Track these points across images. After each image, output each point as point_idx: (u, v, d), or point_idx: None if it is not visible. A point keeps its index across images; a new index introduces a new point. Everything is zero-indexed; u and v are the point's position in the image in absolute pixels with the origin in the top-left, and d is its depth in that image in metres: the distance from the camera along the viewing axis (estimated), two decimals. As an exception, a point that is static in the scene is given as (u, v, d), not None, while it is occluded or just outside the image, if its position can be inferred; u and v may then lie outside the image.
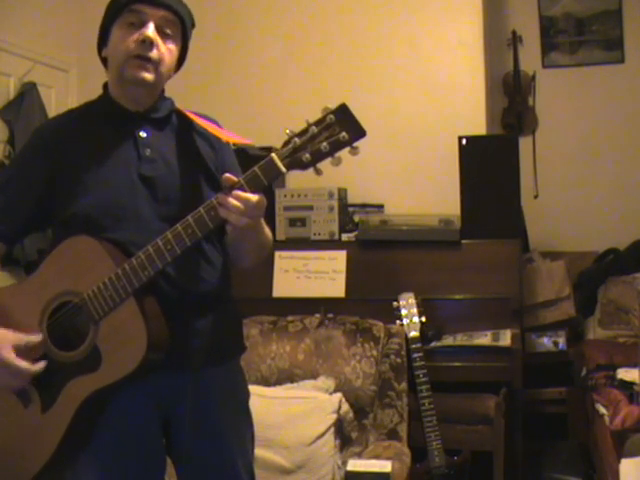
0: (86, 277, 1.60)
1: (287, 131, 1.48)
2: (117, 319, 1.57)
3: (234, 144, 1.80)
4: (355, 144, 1.46)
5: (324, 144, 1.46)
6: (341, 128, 1.45)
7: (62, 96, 3.79)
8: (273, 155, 1.48)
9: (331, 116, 1.45)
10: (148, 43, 1.65)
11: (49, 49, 3.73)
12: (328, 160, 1.47)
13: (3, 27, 3.45)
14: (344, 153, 1.48)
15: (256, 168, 1.50)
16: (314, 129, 1.46)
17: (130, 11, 1.66)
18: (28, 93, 3.46)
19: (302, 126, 1.47)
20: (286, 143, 1.48)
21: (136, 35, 1.65)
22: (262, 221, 1.72)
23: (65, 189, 1.68)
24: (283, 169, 1.48)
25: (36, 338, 1.63)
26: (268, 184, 1.51)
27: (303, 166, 1.48)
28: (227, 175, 1.54)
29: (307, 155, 1.47)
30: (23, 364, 1.59)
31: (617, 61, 4.50)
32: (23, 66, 3.51)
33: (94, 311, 1.58)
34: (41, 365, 1.61)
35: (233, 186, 1.52)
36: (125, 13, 1.67)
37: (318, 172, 1.50)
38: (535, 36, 4.61)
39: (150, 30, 1.66)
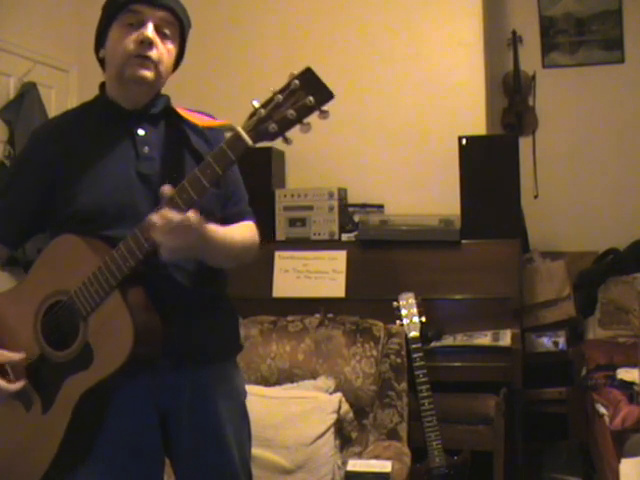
0: (73, 275, 1.60)
1: (254, 103, 1.43)
2: (104, 313, 1.57)
3: (212, 128, 1.75)
4: (324, 107, 1.40)
5: (290, 111, 1.39)
6: (307, 92, 1.38)
7: (62, 96, 3.79)
8: (238, 128, 1.44)
9: (295, 81, 1.39)
10: (147, 43, 1.65)
11: (49, 49, 3.73)
12: (297, 127, 1.41)
13: (3, 27, 3.45)
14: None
15: (223, 144, 1.46)
16: (279, 97, 1.40)
17: (129, 11, 1.66)
18: (28, 93, 3.46)
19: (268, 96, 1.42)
20: (251, 115, 1.43)
21: (135, 35, 1.65)
22: (223, 236, 1.65)
23: (65, 189, 1.68)
24: (249, 142, 1.43)
25: (17, 356, 1.65)
26: (236, 159, 1.46)
27: (271, 136, 1.42)
28: (163, 187, 1.50)
29: (273, 125, 1.41)
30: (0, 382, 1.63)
31: (617, 61, 4.50)
32: (23, 66, 3.51)
33: (82, 308, 1.58)
34: (19, 385, 1.64)
35: (169, 201, 1.48)
36: (123, 13, 1.67)
37: (287, 141, 1.43)
38: (535, 36, 4.60)
39: (149, 30, 1.66)
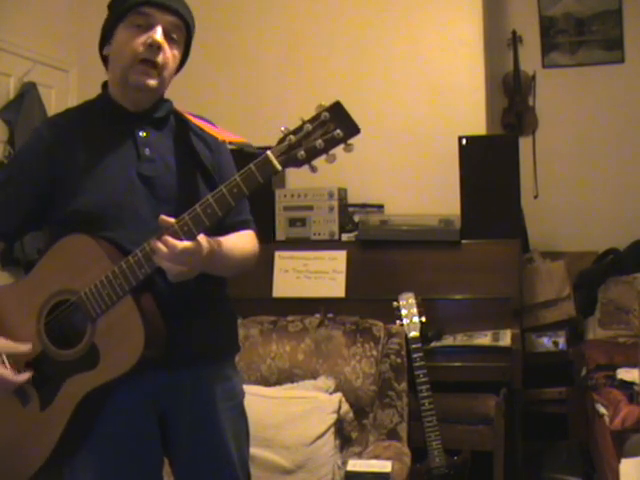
0: (83, 275, 1.60)
1: (282, 129, 1.49)
2: (114, 317, 1.58)
3: (232, 143, 1.80)
4: (349, 141, 1.47)
5: (319, 141, 1.46)
6: (335, 125, 1.45)
7: (62, 96, 3.79)
8: (268, 153, 1.48)
9: (325, 113, 1.45)
10: (156, 47, 1.66)
11: (49, 49, 3.73)
12: (323, 157, 1.47)
13: (3, 27, 3.45)
14: (339, 151, 1.48)
15: (252, 165, 1.50)
16: (309, 126, 1.46)
17: (138, 13, 1.66)
18: (28, 93, 3.46)
19: (297, 124, 1.47)
20: (281, 141, 1.48)
21: (144, 37, 1.66)
22: (226, 250, 1.68)
23: (64, 187, 1.68)
24: (278, 166, 1.48)
25: (25, 348, 1.65)
26: (264, 182, 1.50)
27: (298, 163, 1.48)
28: (162, 217, 1.53)
29: (302, 152, 1.47)
30: (7, 374, 1.63)
31: (617, 61, 4.50)
32: (23, 66, 3.51)
33: (91, 309, 1.59)
34: (25, 376, 1.64)
35: (168, 228, 1.52)
36: (133, 14, 1.67)
37: (313, 169, 1.50)
38: (535, 36, 4.60)
39: (159, 34, 1.66)
